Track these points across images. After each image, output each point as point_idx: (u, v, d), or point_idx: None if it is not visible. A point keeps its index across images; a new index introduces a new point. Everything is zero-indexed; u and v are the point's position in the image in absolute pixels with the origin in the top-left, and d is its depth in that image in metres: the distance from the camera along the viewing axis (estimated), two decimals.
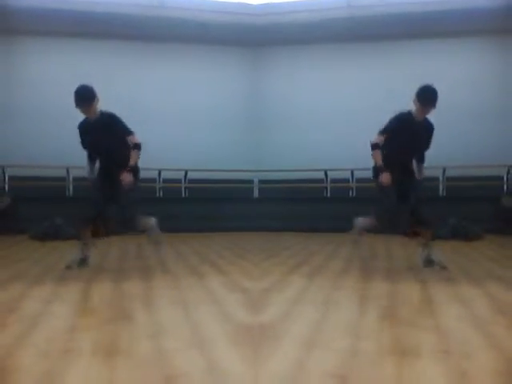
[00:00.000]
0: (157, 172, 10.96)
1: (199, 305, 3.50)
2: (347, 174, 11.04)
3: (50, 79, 11.29)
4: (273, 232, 9.74)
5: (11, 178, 10.35)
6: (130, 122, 12.53)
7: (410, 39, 11.52)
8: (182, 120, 11.72)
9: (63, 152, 10.71)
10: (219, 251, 6.90)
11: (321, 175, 11.23)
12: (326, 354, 2.39)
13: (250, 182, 11.73)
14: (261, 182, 11.75)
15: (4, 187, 10.35)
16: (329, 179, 11.20)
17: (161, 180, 11.15)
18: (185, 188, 11.38)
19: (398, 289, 4.10)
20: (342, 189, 11.19)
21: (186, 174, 11.23)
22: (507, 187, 10.35)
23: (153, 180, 10.91)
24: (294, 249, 7.33)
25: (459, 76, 11.27)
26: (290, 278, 4.60)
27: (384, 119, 11.93)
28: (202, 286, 4.22)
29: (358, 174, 10.82)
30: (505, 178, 10.39)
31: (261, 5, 11.76)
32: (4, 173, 10.44)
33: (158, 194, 11.16)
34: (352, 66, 11.97)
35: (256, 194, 11.83)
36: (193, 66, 12.07)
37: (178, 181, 11.26)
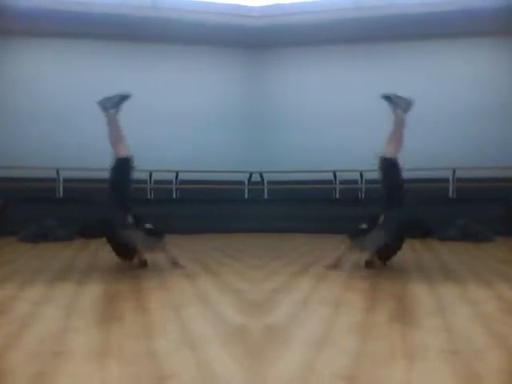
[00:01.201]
0: (148, 173, 10.91)
1: (190, 306, 3.49)
2: (356, 176, 11.01)
3: (41, 80, 11.30)
4: (281, 233, 9.74)
5: (1, 180, 10.32)
6: (121, 124, 12.57)
7: (419, 40, 11.48)
8: (178, 122, 11.70)
9: (53, 153, 10.72)
10: (211, 252, 6.87)
11: (330, 176, 11.21)
12: (335, 355, 2.39)
13: (258, 183, 11.66)
14: (269, 183, 11.72)
15: None
16: (337, 180, 11.18)
17: (152, 181, 11.13)
18: (176, 189, 11.37)
19: (407, 290, 4.09)
20: (351, 190, 11.16)
21: (177, 175, 11.21)
22: None
23: (143, 181, 10.84)
24: (301, 250, 7.32)
25: (469, 77, 11.22)
26: (298, 279, 4.60)
27: (392, 120, 11.81)
28: (194, 287, 4.22)
29: (367, 176, 10.79)
30: None
31: (263, 6, 11.74)
32: None
33: (149, 196, 11.12)
34: (359, 67, 11.94)
35: (265, 195, 11.79)
36: (188, 68, 12.06)
37: (169, 182, 11.22)
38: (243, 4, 11.76)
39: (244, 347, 2.53)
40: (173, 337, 2.72)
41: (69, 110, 11.18)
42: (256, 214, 10.37)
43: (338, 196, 11.23)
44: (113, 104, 5.87)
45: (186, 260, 5.61)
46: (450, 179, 10.60)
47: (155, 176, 11.02)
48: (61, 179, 10.69)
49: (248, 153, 11.52)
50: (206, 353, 2.43)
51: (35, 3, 10.70)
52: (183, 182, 11.28)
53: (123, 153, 5.67)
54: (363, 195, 11.00)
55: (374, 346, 2.54)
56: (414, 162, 10.50)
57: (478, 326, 2.88)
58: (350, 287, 4.25)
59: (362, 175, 10.94)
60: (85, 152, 10.84)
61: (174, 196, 11.30)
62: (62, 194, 10.71)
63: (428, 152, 10.84)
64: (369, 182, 10.81)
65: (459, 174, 10.50)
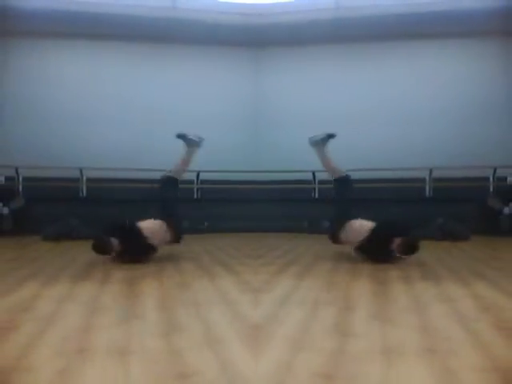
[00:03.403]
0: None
1: (211, 304, 3.53)
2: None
3: (64, 80, 11.37)
4: (260, 233, 9.76)
5: (25, 179, 10.42)
6: (138, 124, 12.84)
7: (400, 40, 11.55)
8: (192, 121, 11.65)
9: (76, 153, 10.82)
10: (229, 251, 6.94)
11: (309, 176, 11.24)
12: (313, 354, 2.40)
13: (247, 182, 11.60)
14: (254, 182, 11.64)
15: (18, 188, 10.38)
16: (317, 180, 11.22)
17: None
18: (197, 189, 11.36)
19: (385, 288, 4.13)
20: (330, 190, 11.19)
21: (198, 175, 11.20)
22: (493, 188, 10.43)
23: None
24: (281, 249, 7.34)
25: (446, 77, 11.36)
26: (277, 279, 4.62)
27: (375, 121, 11.98)
28: (215, 286, 4.27)
29: None
30: (491, 179, 10.47)
31: (264, 4, 11.69)
32: (18, 174, 10.45)
33: None
34: (342, 67, 12.00)
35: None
36: (201, 68, 12.05)
37: (190, 182, 11.21)
38: (248, 2, 11.72)
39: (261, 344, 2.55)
40: (195, 334, 2.73)
41: (91, 110, 11.25)
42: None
43: (317, 196, 11.28)
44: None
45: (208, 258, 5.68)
46: (427, 179, 10.73)
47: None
48: (84, 179, 10.71)
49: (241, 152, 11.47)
50: (228, 351, 2.45)
51: (54, 5, 10.79)
52: (204, 181, 11.29)
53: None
54: None
55: (352, 343, 2.56)
56: (391, 161, 10.64)
57: (454, 324, 2.92)
58: (329, 285, 4.28)
59: None
60: (108, 152, 10.89)
61: (196, 196, 11.30)
62: (85, 193, 10.72)
63: (405, 152, 10.97)
64: None
65: (436, 173, 10.64)
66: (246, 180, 11.10)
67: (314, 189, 11.33)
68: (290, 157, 11.28)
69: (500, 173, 10.41)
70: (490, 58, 11.36)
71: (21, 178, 10.47)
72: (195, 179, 11.23)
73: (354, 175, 10.75)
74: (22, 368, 2.17)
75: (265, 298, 3.70)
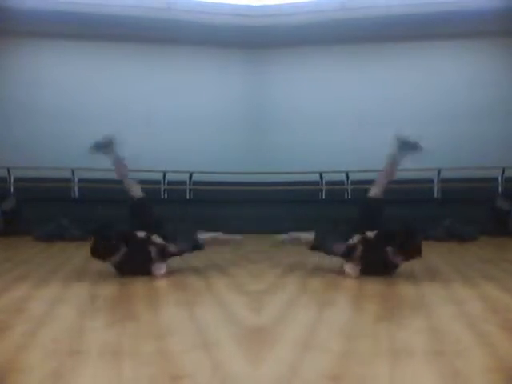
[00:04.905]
0: (161, 174, 10.99)
1: (204, 306, 3.51)
2: (342, 176, 11.05)
3: (57, 81, 11.41)
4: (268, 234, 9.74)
5: (16, 180, 10.48)
6: (134, 125, 12.85)
7: (406, 41, 11.55)
8: (186, 122, 11.68)
9: (68, 153, 10.85)
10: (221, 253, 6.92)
11: (316, 177, 11.23)
12: (320, 356, 2.39)
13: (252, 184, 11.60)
14: (258, 184, 11.66)
15: (9, 189, 10.44)
16: (324, 181, 11.21)
17: (165, 182, 11.15)
18: (190, 190, 11.36)
19: (393, 290, 4.12)
20: (337, 191, 11.20)
21: (190, 176, 11.20)
22: (502, 189, 10.39)
23: (157, 182, 10.95)
24: (287, 251, 7.32)
25: (453, 78, 11.33)
26: (284, 280, 4.61)
27: (380, 122, 11.95)
28: (208, 287, 4.24)
29: (353, 176, 10.84)
30: (499, 180, 10.43)
31: (261, 6, 11.70)
32: (9, 174, 10.50)
33: (162, 196, 11.16)
34: (346, 68, 11.99)
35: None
36: (199, 69, 12.07)
37: (183, 183, 11.22)
38: (243, 3, 11.72)
39: (255, 348, 2.55)
40: (187, 337, 2.73)
41: (84, 111, 11.28)
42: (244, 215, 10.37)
43: (324, 197, 11.27)
44: (105, 151, 5.72)
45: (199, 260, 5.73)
46: (435, 180, 10.69)
47: (169, 177, 11.05)
48: (76, 179, 10.76)
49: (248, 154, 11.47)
50: (220, 353, 2.44)
51: (46, 5, 10.85)
52: (197, 183, 11.30)
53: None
54: (349, 196, 11.04)
55: (360, 345, 2.55)
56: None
57: (462, 326, 2.90)
58: (336, 287, 4.27)
59: (348, 176, 10.99)
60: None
61: (188, 197, 11.31)
62: (77, 194, 10.77)
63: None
64: (355, 182, 10.87)
65: (444, 174, 10.60)
66: (249, 182, 11.13)
67: (322, 190, 11.31)
68: (292, 157, 11.30)
69: (508, 173, 10.36)
70: (500, 57, 11.32)
71: (12, 179, 10.52)
72: (187, 180, 11.23)
73: (361, 176, 10.86)
74: (13, 369, 2.17)
75: (269, 300, 3.70)
